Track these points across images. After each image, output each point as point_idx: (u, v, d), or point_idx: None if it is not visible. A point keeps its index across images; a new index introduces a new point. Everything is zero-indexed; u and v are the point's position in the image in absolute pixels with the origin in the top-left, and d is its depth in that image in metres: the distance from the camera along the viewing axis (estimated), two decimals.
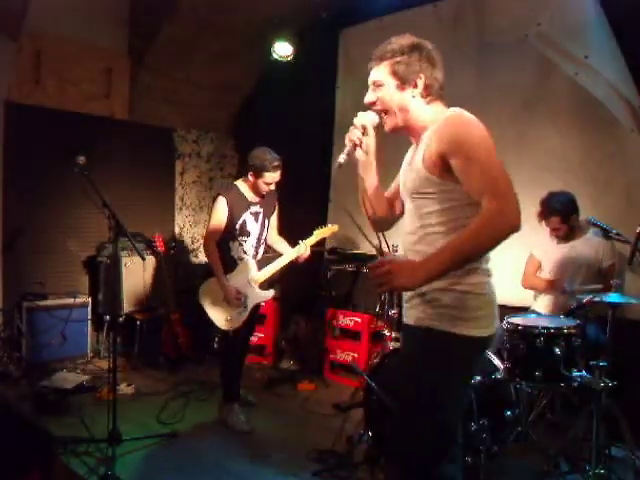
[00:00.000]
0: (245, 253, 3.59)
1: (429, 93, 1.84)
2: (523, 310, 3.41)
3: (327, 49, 5.02)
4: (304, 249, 3.63)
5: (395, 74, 1.83)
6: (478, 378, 2.69)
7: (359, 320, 4.38)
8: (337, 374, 4.46)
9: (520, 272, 3.58)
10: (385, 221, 2.09)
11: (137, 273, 4.74)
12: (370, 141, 1.95)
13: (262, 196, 3.59)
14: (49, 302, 4.41)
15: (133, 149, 5.08)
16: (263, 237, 3.69)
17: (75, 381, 3.87)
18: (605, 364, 2.50)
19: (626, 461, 2.68)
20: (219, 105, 5.62)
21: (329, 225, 3.81)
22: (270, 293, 3.69)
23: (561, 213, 3.26)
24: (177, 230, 5.65)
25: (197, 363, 4.59)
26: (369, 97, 1.89)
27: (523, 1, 3.91)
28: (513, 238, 1.57)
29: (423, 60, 1.82)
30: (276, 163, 3.43)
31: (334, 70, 5.09)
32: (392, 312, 3.43)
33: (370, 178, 2.01)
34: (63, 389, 3.72)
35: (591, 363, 2.55)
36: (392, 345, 3.24)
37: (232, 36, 4.83)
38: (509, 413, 2.78)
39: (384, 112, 1.88)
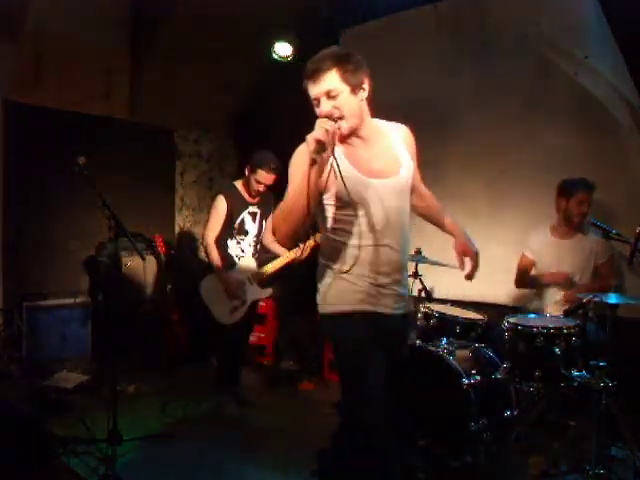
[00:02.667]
0: (243, 252, 3.72)
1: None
2: (521, 310, 3.41)
3: None
4: (302, 251, 3.64)
5: (347, 80, 1.86)
6: (478, 378, 2.69)
7: None
8: (337, 374, 4.45)
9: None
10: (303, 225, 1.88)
11: (137, 273, 4.74)
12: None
13: (255, 195, 3.65)
14: (49, 302, 4.39)
15: (133, 149, 5.07)
16: (261, 237, 3.79)
17: (75, 381, 3.88)
18: (605, 364, 2.50)
19: (626, 461, 2.68)
20: (219, 105, 5.61)
21: None
22: (268, 291, 3.81)
23: (589, 187, 3.26)
24: (177, 230, 5.65)
25: (197, 363, 4.58)
26: (325, 107, 1.87)
27: (523, 1, 3.91)
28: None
29: (364, 66, 1.91)
30: (272, 165, 3.51)
31: None
32: None
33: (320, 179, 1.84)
34: (63, 389, 3.73)
35: (591, 363, 2.55)
36: None
37: (232, 36, 4.82)
38: (509, 413, 2.78)
39: (340, 119, 1.87)
